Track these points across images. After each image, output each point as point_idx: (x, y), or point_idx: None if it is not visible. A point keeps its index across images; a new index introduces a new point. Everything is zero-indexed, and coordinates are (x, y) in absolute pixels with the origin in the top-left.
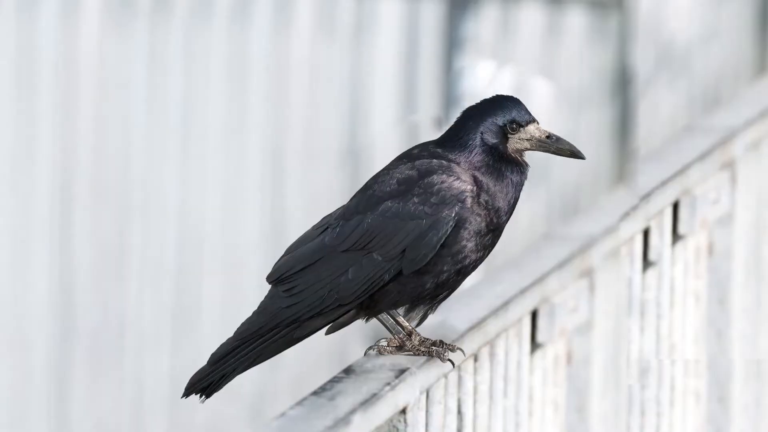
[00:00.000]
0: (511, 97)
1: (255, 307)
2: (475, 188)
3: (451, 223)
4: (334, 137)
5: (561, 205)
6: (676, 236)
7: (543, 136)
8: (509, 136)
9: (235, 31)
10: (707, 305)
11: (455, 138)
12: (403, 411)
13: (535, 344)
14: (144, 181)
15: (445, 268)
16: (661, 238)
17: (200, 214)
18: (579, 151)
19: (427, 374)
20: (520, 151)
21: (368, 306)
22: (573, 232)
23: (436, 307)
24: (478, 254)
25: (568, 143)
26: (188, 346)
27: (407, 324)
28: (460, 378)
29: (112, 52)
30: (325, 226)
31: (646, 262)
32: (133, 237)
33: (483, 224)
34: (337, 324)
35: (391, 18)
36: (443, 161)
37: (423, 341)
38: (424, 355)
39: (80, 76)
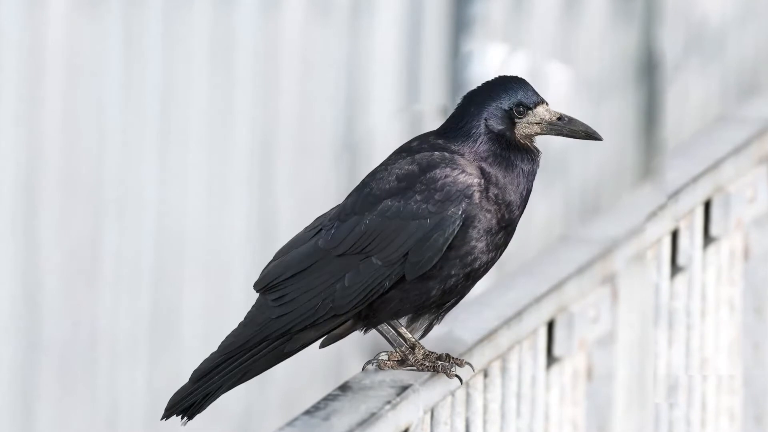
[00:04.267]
0: (516, 77)
1: (241, 317)
2: (482, 181)
3: (458, 222)
4: (328, 130)
5: (580, 204)
6: (707, 238)
7: (554, 117)
8: (516, 120)
9: (220, 12)
10: (742, 314)
11: (457, 127)
12: None
13: (551, 358)
14: (119, 178)
15: (453, 273)
16: (691, 241)
17: (181, 215)
18: (595, 132)
19: (431, 392)
20: (530, 137)
21: (366, 316)
22: (593, 233)
23: (443, 317)
24: (490, 255)
25: (583, 123)
26: (168, 359)
27: (410, 336)
28: (468, 395)
29: (83, 35)
30: (318, 227)
31: (675, 267)
32: (107, 239)
33: (494, 221)
34: (332, 336)
35: None
36: (446, 153)
37: (427, 355)
38: (428, 370)
39: (46, 62)
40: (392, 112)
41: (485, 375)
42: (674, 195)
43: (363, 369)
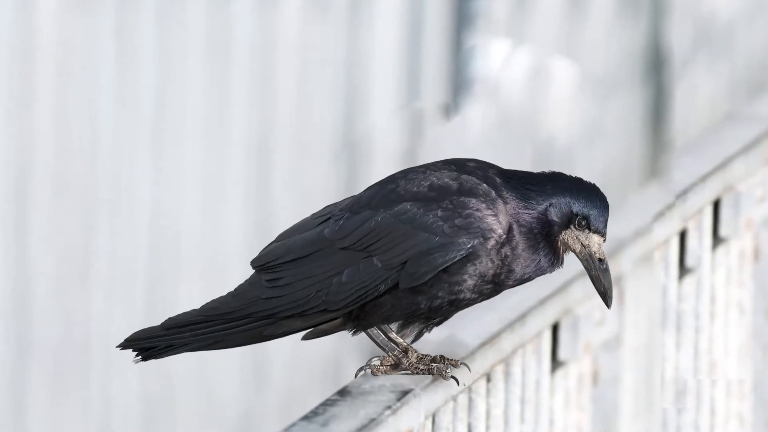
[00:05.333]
0: (604, 197)
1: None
2: (504, 236)
3: (463, 252)
4: (327, 128)
5: None
6: (716, 239)
7: (597, 253)
8: (571, 227)
9: (215, 7)
10: (752, 317)
11: (523, 184)
12: None
13: (556, 362)
14: (112, 177)
15: (440, 294)
16: (699, 241)
17: (176, 215)
18: (610, 299)
19: (432, 396)
20: (567, 247)
21: (357, 316)
22: None
23: (432, 328)
24: (473, 296)
25: (610, 282)
26: (161, 363)
27: (401, 340)
28: (470, 400)
29: (75, 32)
30: (327, 216)
31: (683, 269)
32: (100, 240)
33: (491, 272)
34: (317, 331)
35: None
36: (493, 192)
37: (421, 358)
38: (423, 373)
39: (38, 59)
40: (392, 110)
41: (488, 379)
42: (682, 194)
43: (356, 376)
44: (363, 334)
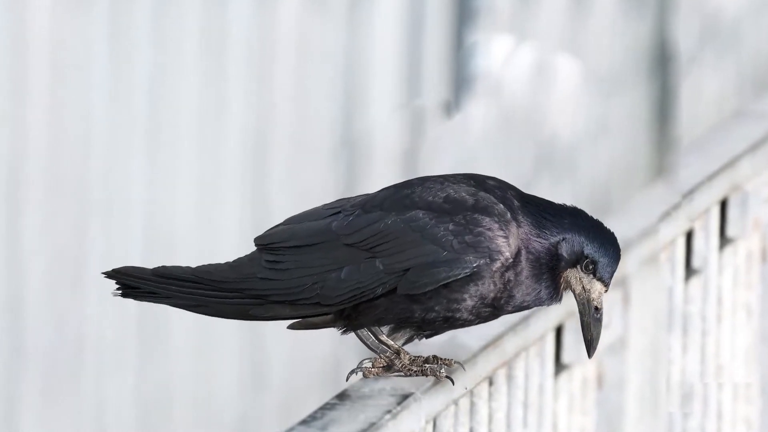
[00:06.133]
0: (618, 249)
1: (232, 323)
2: (511, 260)
3: (467, 270)
4: (325, 126)
5: (590, 203)
6: (723, 239)
7: (595, 301)
8: (577, 267)
9: (212, 2)
10: (760, 319)
11: (542, 212)
12: None
13: (560, 365)
14: (106, 176)
15: (437, 308)
16: (706, 242)
17: (171, 215)
18: (594, 349)
19: (433, 400)
20: (568, 285)
21: (349, 315)
22: None
23: (422, 338)
24: (470, 317)
25: (599, 333)
26: (157, 367)
27: (393, 342)
28: (472, 404)
29: (68, 28)
30: (338, 209)
31: (689, 270)
32: (93, 240)
33: (491, 295)
34: (305, 322)
35: None
36: (509, 215)
37: (414, 360)
38: (416, 375)
39: (30, 57)
40: (392, 108)
41: (490, 383)
42: (688, 194)
43: (347, 379)
44: (352, 334)
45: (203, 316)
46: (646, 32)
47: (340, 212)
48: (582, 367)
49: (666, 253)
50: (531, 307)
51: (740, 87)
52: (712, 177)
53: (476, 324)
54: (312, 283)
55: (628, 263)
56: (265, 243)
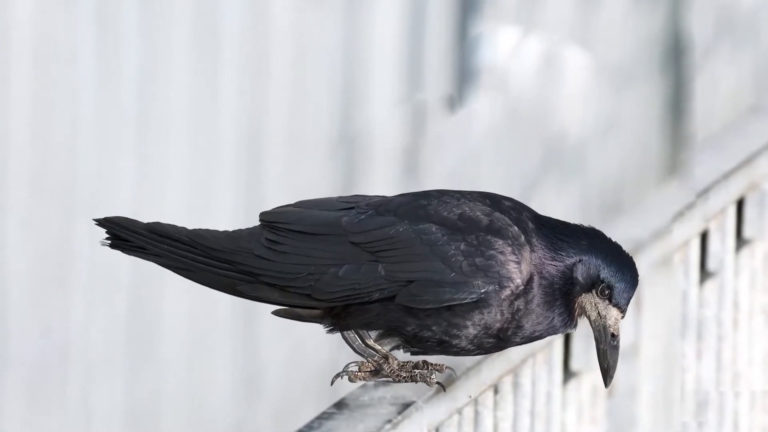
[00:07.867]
0: (637, 275)
1: (226, 327)
2: (521, 287)
3: (474, 296)
4: (323, 122)
5: (600, 203)
6: (740, 240)
7: (612, 327)
8: (592, 292)
9: None
10: None
11: (558, 234)
12: None
13: (568, 372)
14: (93, 175)
15: (434, 328)
16: (722, 243)
17: (161, 214)
18: (611, 378)
19: (436, 409)
20: (583, 311)
21: (338, 314)
22: (614, 235)
23: (408, 350)
24: (469, 346)
25: (616, 360)
26: (147, 374)
27: (380, 347)
28: (477, 413)
29: (52, 21)
30: (352, 204)
31: (704, 273)
32: (80, 242)
33: (497, 325)
34: (291, 311)
35: None
36: (523, 238)
37: (403, 365)
38: (405, 380)
39: (13, 48)
40: (393, 103)
41: (496, 391)
42: (703, 193)
43: (332, 383)
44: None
45: (197, 315)
46: (659, 23)
47: (353, 208)
48: (591, 374)
49: (680, 255)
50: (544, 337)
51: (757, 81)
52: (728, 175)
53: (474, 354)
54: (307, 274)
55: (640, 266)
56: (270, 220)
